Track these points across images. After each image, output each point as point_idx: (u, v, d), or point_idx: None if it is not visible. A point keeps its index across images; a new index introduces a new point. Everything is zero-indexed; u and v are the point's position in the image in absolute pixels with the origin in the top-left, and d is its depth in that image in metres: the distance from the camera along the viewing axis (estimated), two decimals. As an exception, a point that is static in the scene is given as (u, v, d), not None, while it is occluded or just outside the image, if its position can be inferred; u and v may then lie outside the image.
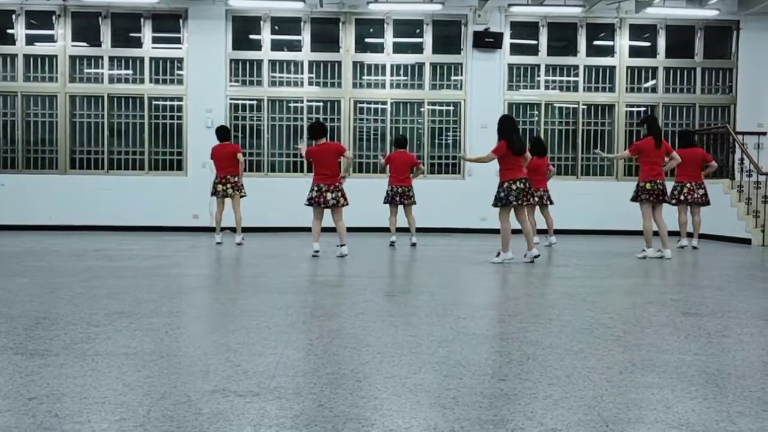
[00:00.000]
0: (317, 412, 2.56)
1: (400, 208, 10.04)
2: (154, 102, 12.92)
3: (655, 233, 8.68)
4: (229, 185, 9.99)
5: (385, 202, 10.02)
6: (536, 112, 13.27)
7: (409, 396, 2.76)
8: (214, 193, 10.11)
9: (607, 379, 3.04)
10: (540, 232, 10.32)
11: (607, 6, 12.75)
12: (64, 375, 3.00)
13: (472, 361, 3.34)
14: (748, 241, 11.11)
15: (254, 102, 13.02)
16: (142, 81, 12.86)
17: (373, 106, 13.14)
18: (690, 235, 10.22)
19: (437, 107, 13.20)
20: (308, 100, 13.01)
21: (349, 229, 11.81)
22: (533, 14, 12.98)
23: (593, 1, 12.45)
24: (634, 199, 8.86)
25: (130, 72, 12.92)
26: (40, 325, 4.04)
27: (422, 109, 13.15)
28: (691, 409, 2.65)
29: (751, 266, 8.39)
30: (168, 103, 12.95)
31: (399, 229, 10.15)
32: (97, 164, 12.85)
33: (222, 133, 10.28)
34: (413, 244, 9.92)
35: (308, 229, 10.22)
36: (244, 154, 12.87)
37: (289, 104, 13.05)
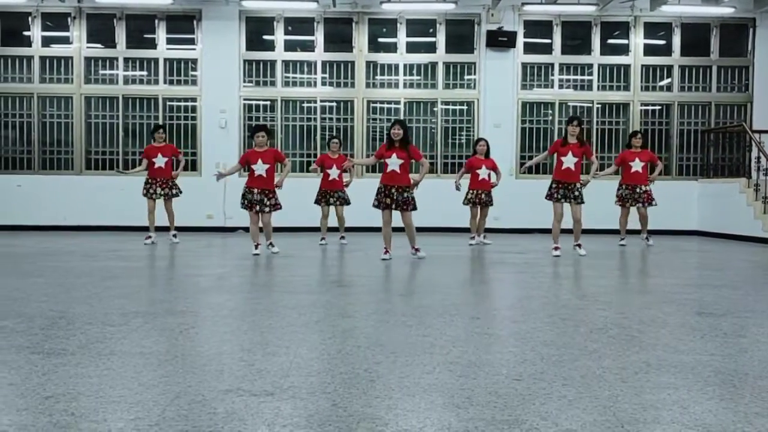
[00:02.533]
0: (331, 411, 2.56)
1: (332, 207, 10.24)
2: (168, 103, 12.99)
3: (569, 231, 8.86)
4: (156, 186, 10.03)
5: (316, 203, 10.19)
6: (550, 111, 13.23)
7: (423, 396, 2.76)
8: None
9: (622, 379, 3.02)
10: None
11: (621, 4, 12.68)
12: (80, 374, 3.02)
13: (485, 361, 3.33)
14: (764, 240, 11.01)
15: (268, 102, 13.06)
16: (156, 82, 12.94)
17: (386, 105, 13.14)
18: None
19: (450, 107, 13.19)
20: (321, 101, 13.04)
21: (361, 229, 11.85)
22: (547, 13, 12.94)
23: (607, -1, 12.39)
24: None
25: (144, 73, 13.00)
26: (56, 325, 4.07)
27: (435, 109, 13.13)
28: (707, 409, 2.63)
29: (767, 266, 8.31)
30: (182, 104, 13.01)
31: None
32: (112, 165, 12.92)
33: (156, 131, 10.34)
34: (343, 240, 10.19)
35: (318, 229, 10.27)
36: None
37: (303, 104, 13.08)
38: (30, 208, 12.52)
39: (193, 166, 12.91)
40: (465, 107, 13.18)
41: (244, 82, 12.95)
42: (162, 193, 10.08)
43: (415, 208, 7.99)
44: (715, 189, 12.58)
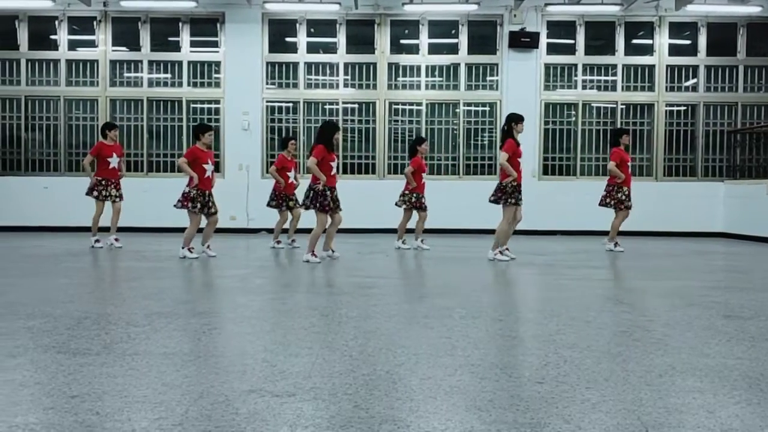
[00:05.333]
0: (353, 413, 2.56)
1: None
2: (192, 105, 13.09)
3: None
4: (111, 188, 9.69)
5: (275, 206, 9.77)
6: (573, 112, 13.13)
7: (445, 398, 2.75)
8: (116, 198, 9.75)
9: (646, 382, 2.99)
10: (409, 231, 10.04)
11: (645, 4, 12.56)
12: (105, 374, 3.05)
13: (508, 364, 3.31)
14: (792, 243, 10.84)
15: (290, 104, 13.11)
16: (180, 84, 13.05)
17: (408, 107, 13.13)
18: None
19: (473, 108, 13.14)
20: (343, 102, 13.06)
21: (385, 231, 11.84)
22: (570, 13, 12.86)
23: (631, -1, 12.28)
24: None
25: (168, 75, 13.12)
26: (81, 325, 4.12)
27: (458, 110, 13.10)
28: (734, 414, 2.59)
29: (796, 268, 8.17)
30: (205, 106, 13.11)
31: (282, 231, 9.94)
32: (136, 166, 13.06)
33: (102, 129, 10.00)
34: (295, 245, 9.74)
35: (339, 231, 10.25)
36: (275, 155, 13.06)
37: (325, 106, 13.12)
38: (57, 210, 12.66)
39: (216, 167, 12.96)
40: (487, 108, 13.13)
41: (267, 84, 13.02)
42: (116, 194, 9.70)
43: None
44: (741, 190, 12.41)
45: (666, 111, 13.11)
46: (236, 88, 12.85)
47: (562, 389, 2.88)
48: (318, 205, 7.75)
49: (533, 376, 3.08)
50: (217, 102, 13.03)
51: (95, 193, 9.61)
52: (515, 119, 8.14)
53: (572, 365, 3.27)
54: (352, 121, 13.12)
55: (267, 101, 13.04)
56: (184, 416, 2.50)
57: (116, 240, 9.68)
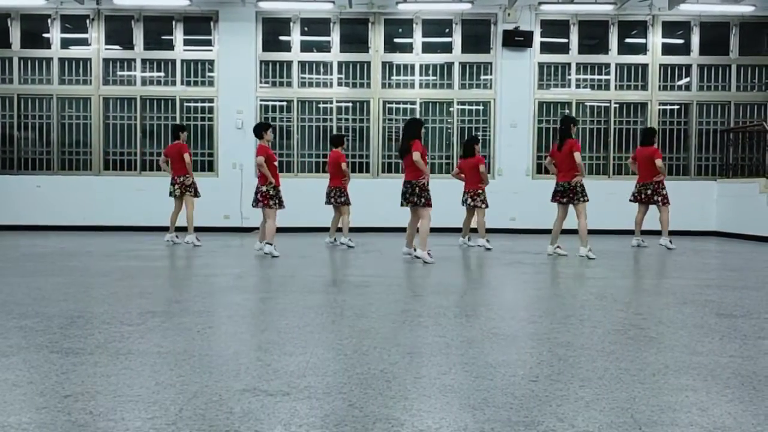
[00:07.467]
0: (347, 411, 2.57)
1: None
2: (185, 104, 13.06)
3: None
4: (176, 186, 10.14)
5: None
6: (567, 111, 13.15)
7: (439, 396, 2.75)
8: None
9: (640, 380, 3.00)
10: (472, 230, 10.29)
11: (639, 3, 12.59)
12: (98, 373, 3.04)
13: (502, 362, 3.32)
14: (785, 241, 10.88)
15: (284, 103, 13.10)
16: (173, 83, 13.02)
17: (402, 106, 13.13)
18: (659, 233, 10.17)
19: (467, 107, 13.15)
20: (337, 101, 13.06)
21: (379, 230, 11.84)
22: (564, 12, 12.87)
23: (625, -2, 12.31)
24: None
25: (162, 74, 13.09)
26: (74, 324, 4.11)
27: (452, 109, 13.11)
28: (726, 412, 2.60)
29: (788, 267, 8.20)
30: (199, 104, 13.08)
31: (321, 229, 10.28)
32: (130, 165, 13.03)
33: (173, 131, 10.46)
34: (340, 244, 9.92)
35: (334, 229, 10.24)
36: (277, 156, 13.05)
37: (319, 105, 13.10)
38: (49, 208, 12.64)
39: (209, 166, 12.99)
40: (481, 107, 13.14)
41: (261, 82, 13.00)
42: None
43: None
44: (734, 189, 12.46)
45: (659, 110, 13.15)
46: (230, 86, 12.83)
47: (556, 387, 2.89)
48: (424, 201, 7.86)
49: (527, 375, 3.08)
50: (211, 101, 13.00)
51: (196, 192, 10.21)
52: (574, 121, 8.86)
53: (566, 363, 3.28)
54: (346, 119, 13.11)
55: (261, 100, 13.02)
56: (178, 415, 2.50)
57: (177, 236, 10.28)
